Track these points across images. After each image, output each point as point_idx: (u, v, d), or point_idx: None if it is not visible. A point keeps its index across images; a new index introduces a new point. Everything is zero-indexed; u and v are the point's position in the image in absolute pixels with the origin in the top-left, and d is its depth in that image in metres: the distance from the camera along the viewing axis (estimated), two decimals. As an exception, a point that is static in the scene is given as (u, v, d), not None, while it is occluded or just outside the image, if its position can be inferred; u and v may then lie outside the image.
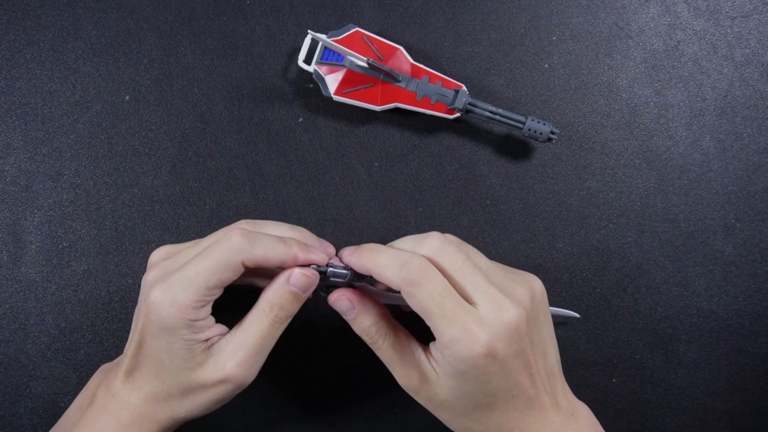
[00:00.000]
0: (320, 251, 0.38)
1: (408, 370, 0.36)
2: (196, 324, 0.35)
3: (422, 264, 0.34)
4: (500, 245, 0.47)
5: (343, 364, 0.47)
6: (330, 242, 0.41)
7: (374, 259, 0.35)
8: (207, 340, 0.36)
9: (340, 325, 0.47)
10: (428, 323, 0.34)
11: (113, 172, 0.47)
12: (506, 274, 0.36)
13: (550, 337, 0.37)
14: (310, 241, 0.39)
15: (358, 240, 0.47)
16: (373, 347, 0.37)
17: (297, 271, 0.36)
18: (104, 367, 0.40)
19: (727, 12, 0.48)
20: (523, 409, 0.35)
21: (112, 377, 0.37)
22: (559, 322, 0.46)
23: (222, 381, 0.35)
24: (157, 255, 0.39)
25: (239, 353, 0.35)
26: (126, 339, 0.46)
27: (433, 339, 0.35)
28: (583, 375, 0.46)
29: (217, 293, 0.36)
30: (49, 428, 0.44)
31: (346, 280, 0.37)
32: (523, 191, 0.47)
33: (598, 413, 0.39)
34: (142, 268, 0.46)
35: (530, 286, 0.36)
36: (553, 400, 0.36)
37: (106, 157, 0.47)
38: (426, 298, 0.33)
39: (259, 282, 0.40)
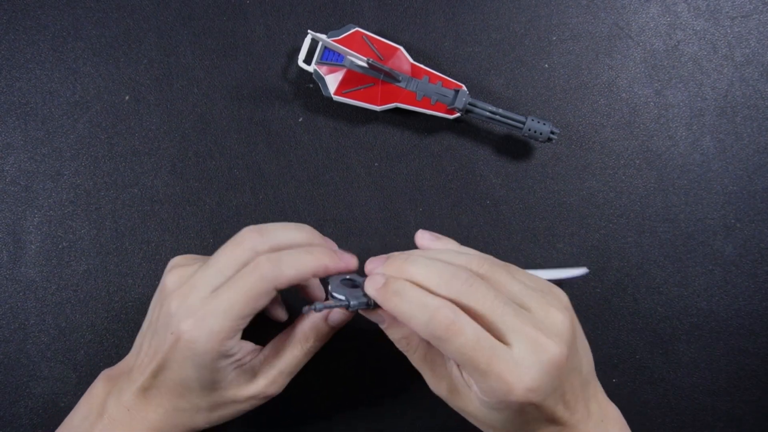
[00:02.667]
0: (347, 257, 0.38)
1: (438, 380, 0.36)
2: (228, 352, 0.35)
3: (449, 317, 0.32)
4: (500, 245, 0.47)
5: (343, 363, 0.46)
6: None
7: (401, 307, 0.33)
8: (238, 360, 0.36)
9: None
10: (462, 370, 0.34)
11: (113, 172, 0.47)
12: (542, 298, 0.34)
13: (584, 349, 0.36)
14: (319, 241, 0.39)
15: (358, 240, 0.47)
16: (406, 355, 0.38)
17: (337, 311, 0.38)
18: (107, 373, 0.38)
19: (727, 12, 0.48)
20: (556, 429, 0.35)
21: (124, 389, 0.36)
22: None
23: (254, 397, 0.37)
24: (177, 264, 0.38)
25: (273, 374, 0.38)
26: (126, 339, 0.46)
27: None
28: (583, 375, 0.46)
29: (249, 319, 0.35)
30: (50, 428, 0.44)
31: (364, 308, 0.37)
32: (523, 191, 0.47)
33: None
34: (142, 268, 0.46)
35: (561, 301, 0.34)
36: (585, 411, 0.35)
37: (106, 157, 0.47)
38: (456, 352, 0.32)
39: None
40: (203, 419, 0.37)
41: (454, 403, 0.36)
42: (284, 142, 0.47)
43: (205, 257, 0.38)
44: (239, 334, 0.35)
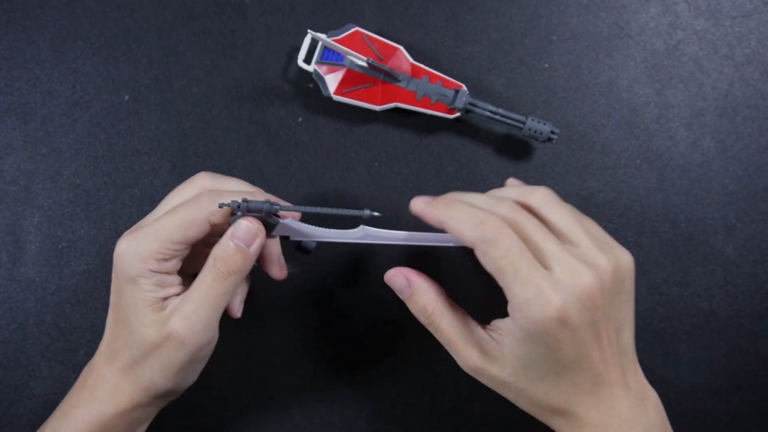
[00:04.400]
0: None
1: (468, 349, 0.35)
2: (158, 275, 0.35)
3: (498, 224, 0.32)
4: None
5: (340, 364, 0.47)
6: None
7: (449, 212, 0.34)
8: (165, 299, 0.36)
9: (338, 324, 0.47)
10: (500, 283, 0.33)
11: (113, 172, 0.47)
12: (594, 242, 0.34)
13: (628, 316, 0.35)
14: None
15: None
16: (430, 328, 0.36)
17: (242, 221, 0.36)
18: None
19: (728, 12, 0.48)
20: (591, 385, 0.34)
21: (95, 355, 0.38)
22: None
23: (167, 338, 0.34)
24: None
25: (182, 309, 0.35)
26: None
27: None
28: (583, 375, 0.46)
29: (183, 249, 0.36)
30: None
31: (263, 214, 0.36)
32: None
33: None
34: (142, 268, 0.46)
35: (617, 258, 0.34)
36: (623, 379, 0.34)
37: (105, 157, 0.47)
38: (500, 257, 0.32)
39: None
40: (140, 373, 0.35)
41: (488, 372, 0.34)
42: (284, 142, 0.47)
43: None
44: (173, 263, 0.36)
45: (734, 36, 0.48)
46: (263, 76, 0.47)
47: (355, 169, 0.47)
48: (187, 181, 0.39)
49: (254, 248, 0.36)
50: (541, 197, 0.35)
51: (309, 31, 0.42)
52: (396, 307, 0.41)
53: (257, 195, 0.38)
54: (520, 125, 0.45)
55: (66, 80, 0.47)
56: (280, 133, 0.47)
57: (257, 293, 0.45)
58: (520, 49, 0.48)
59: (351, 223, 0.40)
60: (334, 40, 0.45)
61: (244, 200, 0.35)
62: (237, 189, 0.38)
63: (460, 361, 0.35)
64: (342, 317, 0.46)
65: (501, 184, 0.47)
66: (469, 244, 0.33)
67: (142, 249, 0.35)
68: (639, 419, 0.34)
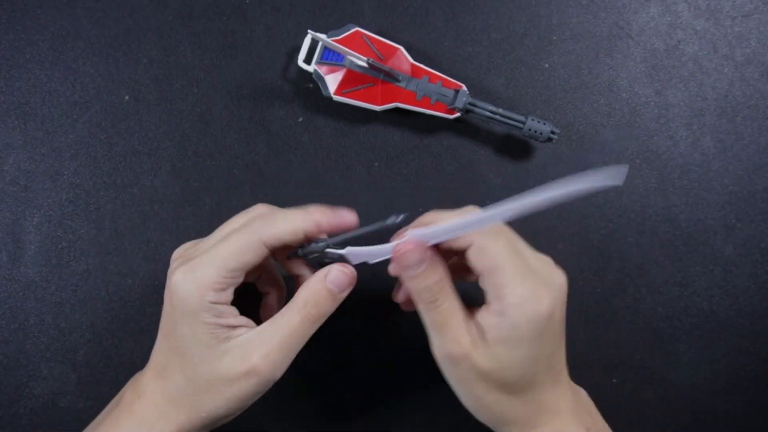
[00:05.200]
0: (343, 212, 0.37)
1: (460, 333, 0.34)
2: (217, 307, 0.34)
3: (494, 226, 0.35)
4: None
5: (340, 364, 0.47)
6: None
7: (441, 219, 0.35)
8: (232, 327, 0.35)
9: (336, 323, 0.47)
10: (496, 280, 0.33)
11: (113, 172, 0.47)
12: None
13: (561, 335, 0.38)
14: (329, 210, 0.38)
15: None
16: (429, 306, 0.35)
17: (336, 267, 0.36)
18: (136, 374, 0.39)
19: (728, 12, 0.48)
20: (552, 384, 0.35)
21: (140, 377, 0.37)
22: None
23: (246, 373, 0.34)
24: (179, 250, 0.39)
25: (266, 345, 0.34)
26: (125, 339, 0.46)
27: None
28: (583, 375, 0.46)
29: (239, 277, 0.35)
30: (49, 428, 0.44)
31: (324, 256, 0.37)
32: (523, 191, 0.47)
33: (598, 413, 0.39)
34: (142, 268, 0.46)
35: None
36: (567, 378, 0.37)
37: (105, 157, 0.47)
38: (502, 249, 0.33)
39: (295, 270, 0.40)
40: (199, 403, 0.35)
41: (468, 362, 0.34)
42: (284, 142, 0.47)
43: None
44: (229, 292, 0.35)
45: (734, 36, 0.48)
46: (263, 76, 0.47)
47: (355, 169, 0.47)
48: (243, 211, 0.38)
49: (344, 295, 0.37)
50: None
51: (309, 31, 0.42)
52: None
53: (313, 222, 0.37)
54: (520, 125, 0.45)
55: (66, 80, 0.47)
56: (280, 133, 0.47)
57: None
58: (520, 49, 0.48)
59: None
60: (334, 41, 0.45)
61: (315, 242, 0.36)
62: (292, 218, 0.36)
63: (445, 345, 0.34)
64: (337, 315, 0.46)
65: (501, 184, 0.47)
66: (463, 246, 0.34)
67: (198, 278, 0.34)
68: (582, 409, 0.37)
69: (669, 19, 0.48)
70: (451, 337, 0.34)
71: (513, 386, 0.34)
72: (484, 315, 0.34)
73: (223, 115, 0.47)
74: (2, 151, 0.47)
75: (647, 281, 0.47)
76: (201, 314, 0.34)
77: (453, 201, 0.47)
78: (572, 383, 0.38)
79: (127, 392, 0.37)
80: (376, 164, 0.47)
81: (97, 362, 0.46)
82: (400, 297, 0.39)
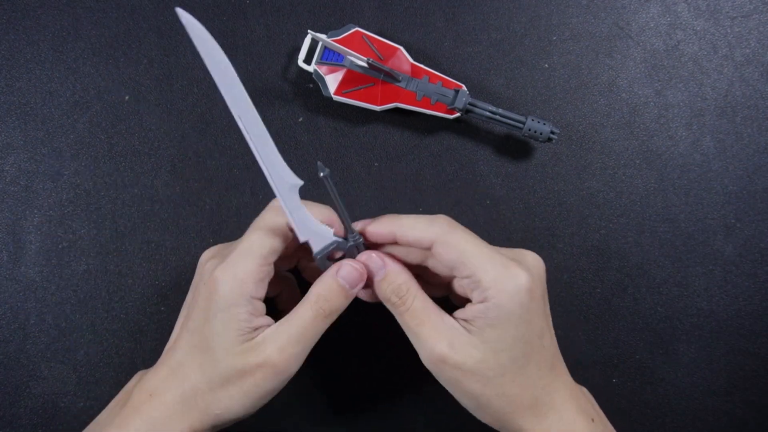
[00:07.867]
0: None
1: (438, 333, 0.35)
2: (254, 303, 0.35)
3: (448, 218, 0.36)
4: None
5: (340, 363, 0.47)
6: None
7: (399, 222, 0.36)
8: (258, 326, 0.35)
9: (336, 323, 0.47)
10: (464, 270, 0.34)
11: (113, 172, 0.47)
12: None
13: (547, 320, 0.38)
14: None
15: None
16: (400, 309, 0.36)
17: (347, 263, 0.37)
18: (140, 372, 0.39)
19: (728, 12, 0.48)
20: (550, 368, 0.35)
21: (149, 375, 0.36)
22: None
23: (261, 365, 0.34)
24: (211, 251, 0.39)
25: (281, 339, 0.35)
26: (125, 339, 0.46)
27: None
28: (583, 375, 0.46)
29: (271, 266, 0.36)
30: (49, 428, 0.44)
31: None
32: (523, 191, 0.47)
33: (598, 413, 0.39)
34: (142, 268, 0.46)
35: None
36: (565, 369, 0.37)
37: (105, 157, 0.47)
38: (463, 241, 0.34)
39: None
40: (214, 400, 0.35)
41: (453, 360, 0.34)
42: (284, 142, 0.47)
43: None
44: (265, 284, 0.36)
45: (734, 36, 0.48)
46: (263, 76, 0.47)
47: (355, 169, 0.47)
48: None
49: (356, 291, 0.37)
50: (447, 222, 0.37)
51: (309, 31, 0.42)
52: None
53: (332, 214, 0.38)
54: (520, 125, 0.45)
55: (66, 80, 0.47)
56: (280, 133, 0.47)
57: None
58: (520, 49, 0.48)
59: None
60: (334, 41, 0.45)
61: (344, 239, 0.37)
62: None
63: (427, 349, 0.35)
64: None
65: (501, 184, 0.47)
66: (426, 243, 0.35)
67: (238, 271, 0.35)
68: (584, 401, 0.37)
69: (669, 19, 0.48)
70: (431, 338, 0.35)
71: (508, 371, 0.34)
72: (468, 309, 0.35)
73: (223, 115, 0.47)
74: (3, 151, 0.47)
75: (647, 281, 0.47)
76: (238, 309, 0.34)
77: (453, 201, 0.47)
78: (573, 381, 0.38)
79: (135, 391, 0.36)
80: (376, 164, 0.47)
81: (97, 362, 0.46)
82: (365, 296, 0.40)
